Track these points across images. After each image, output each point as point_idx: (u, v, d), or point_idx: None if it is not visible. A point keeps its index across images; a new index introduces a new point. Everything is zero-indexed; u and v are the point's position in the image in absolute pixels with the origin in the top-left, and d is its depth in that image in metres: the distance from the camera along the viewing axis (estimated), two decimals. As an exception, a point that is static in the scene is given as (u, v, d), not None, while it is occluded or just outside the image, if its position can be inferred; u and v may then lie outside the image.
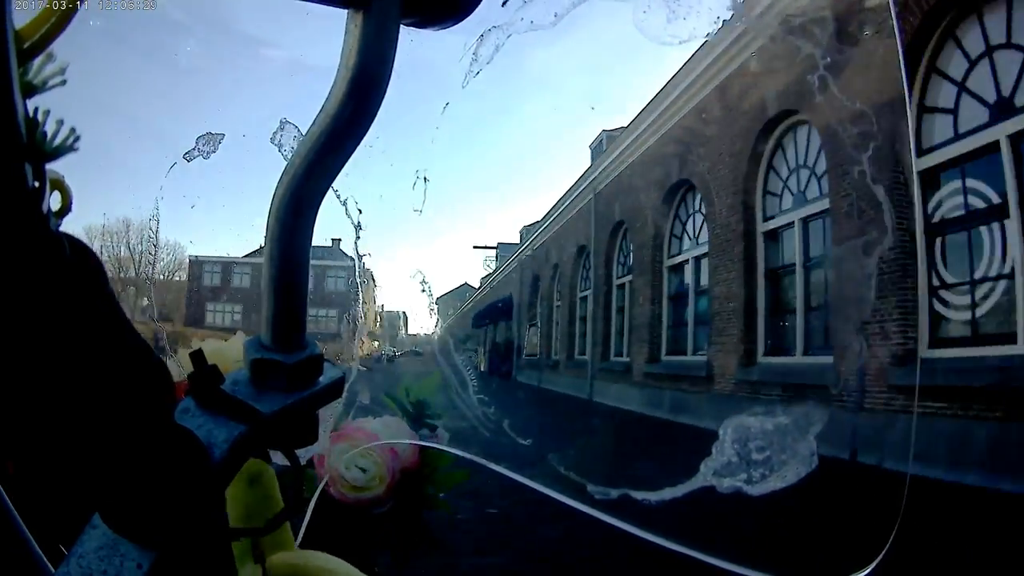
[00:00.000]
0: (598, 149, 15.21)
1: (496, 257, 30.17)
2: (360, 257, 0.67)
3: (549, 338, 17.41)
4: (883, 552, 0.51)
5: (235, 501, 0.49)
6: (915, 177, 4.97)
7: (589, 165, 14.71)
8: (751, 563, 0.53)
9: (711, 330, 8.27)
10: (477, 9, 0.32)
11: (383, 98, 0.29)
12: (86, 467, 0.26)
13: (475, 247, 31.41)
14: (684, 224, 9.91)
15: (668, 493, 0.59)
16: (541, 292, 18.69)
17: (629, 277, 11.81)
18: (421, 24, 0.31)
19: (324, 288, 27.79)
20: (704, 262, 9.04)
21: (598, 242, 13.12)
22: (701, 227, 9.34)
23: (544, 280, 18.09)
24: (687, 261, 9.66)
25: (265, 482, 0.51)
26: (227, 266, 28.98)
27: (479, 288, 31.46)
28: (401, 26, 0.30)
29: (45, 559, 0.34)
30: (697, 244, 9.39)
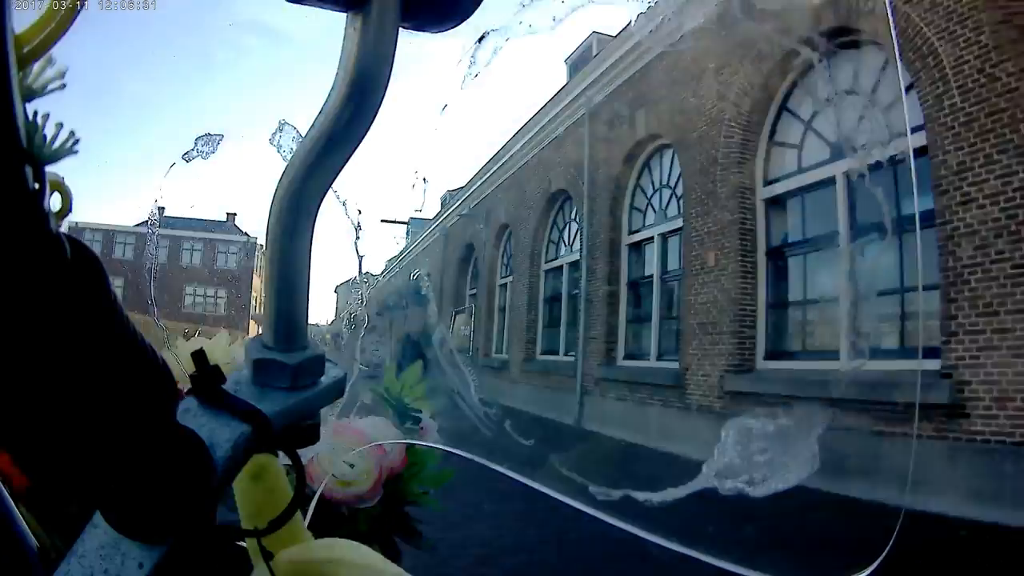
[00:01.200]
0: (583, 59, 10.66)
1: (407, 234, 25.45)
2: (361, 259, 0.55)
3: (488, 328, 12.60)
4: (883, 554, 0.51)
5: (242, 496, 0.45)
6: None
7: (567, 81, 10.16)
8: (750, 564, 0.52)
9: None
10: (476, 12, 0.31)
11: (382, 100, 0.29)
12: (88, 466, 0.26)
13: (383, 221, 26.75)
14: (806, 126, 5.58)
15: (671, 494, 0.56)
16: (476, 265, 13.84)
17: (662, 227, 7.35)
18: (420, 27, 0.31)
19: (215, 265, 26.37)
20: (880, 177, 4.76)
21: (593, 183, 8.54)
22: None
23: (482, 250, 13.22)
24: (826, 181, 5.31)
25: (270, 477, 0.47)
26: (109, 235, 26.96)
27: (384, 271, 26.50)
28: (401, 29, 0.29)
29: (46, 559, 0.34)
30: (844, 154, 5.08)
